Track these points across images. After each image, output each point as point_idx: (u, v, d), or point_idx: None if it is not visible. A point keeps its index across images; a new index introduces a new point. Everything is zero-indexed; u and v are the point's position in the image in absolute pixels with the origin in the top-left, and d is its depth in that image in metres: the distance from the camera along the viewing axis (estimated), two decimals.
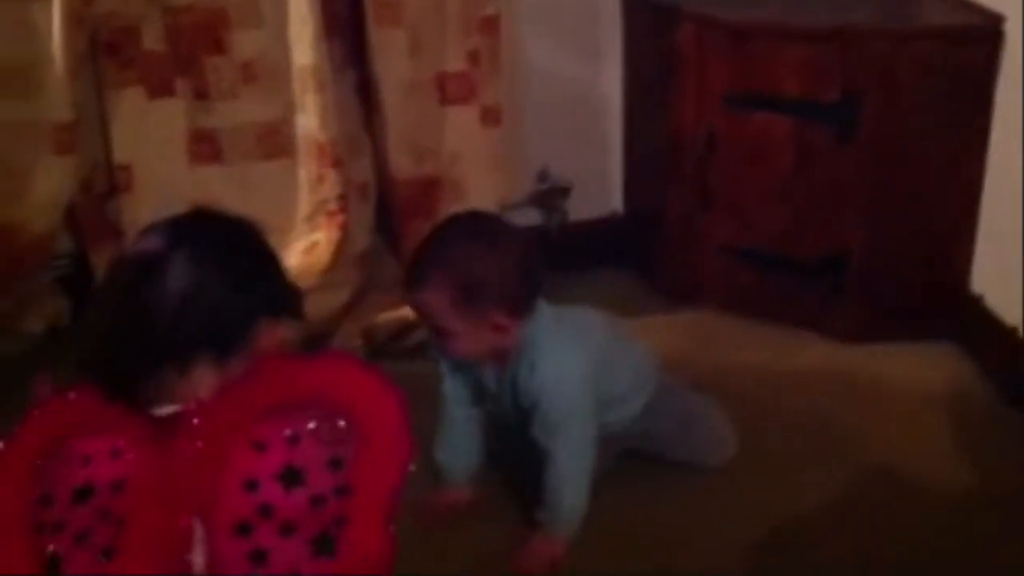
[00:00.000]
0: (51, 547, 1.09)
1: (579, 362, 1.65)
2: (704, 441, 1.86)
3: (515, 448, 1.74)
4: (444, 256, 1.55)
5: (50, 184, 2.10)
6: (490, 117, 2.25)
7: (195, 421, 1.11)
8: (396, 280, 2.26)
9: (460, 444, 1.76)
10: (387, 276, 2.27)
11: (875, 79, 2.07)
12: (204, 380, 1.12)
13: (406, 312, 2.08)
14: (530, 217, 2.47)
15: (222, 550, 1.07)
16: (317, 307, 2.07)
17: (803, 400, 2.05)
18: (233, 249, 1.16)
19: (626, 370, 1.78)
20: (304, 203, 2.17)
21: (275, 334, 1.16)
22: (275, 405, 1.12)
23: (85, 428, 1.14)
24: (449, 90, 2.21)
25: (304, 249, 2.17)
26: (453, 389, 1.74)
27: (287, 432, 1.11)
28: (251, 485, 1.09)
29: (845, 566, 1.65)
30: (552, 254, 2.48)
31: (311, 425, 1.11)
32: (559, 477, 1.64)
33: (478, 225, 1.63)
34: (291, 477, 1.09)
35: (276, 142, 2.16)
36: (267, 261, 1.20)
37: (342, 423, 1.12)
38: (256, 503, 1.08)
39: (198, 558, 1.08)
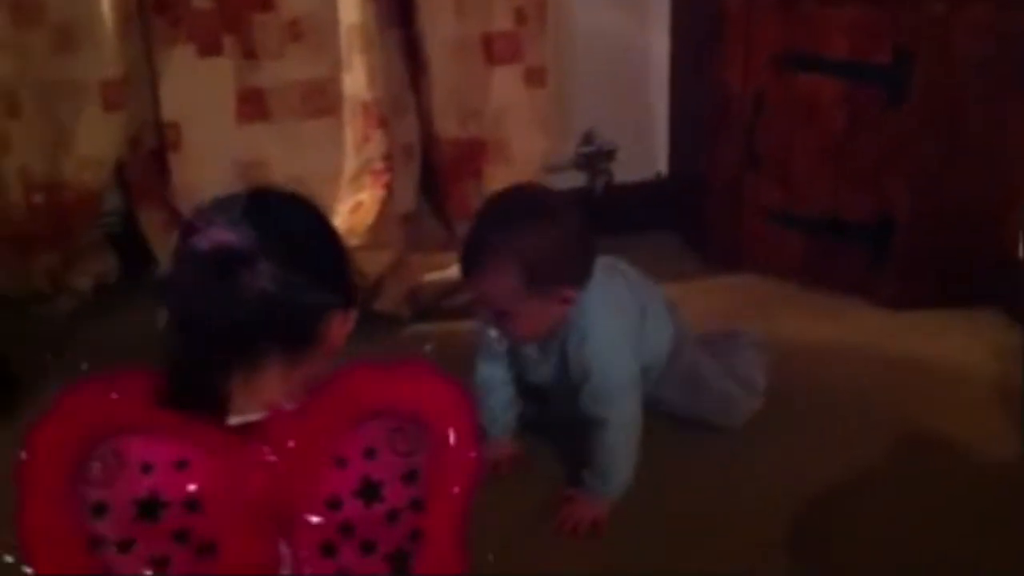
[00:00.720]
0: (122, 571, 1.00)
1: (627, 332, 1.66)
2: (711, 403, 1.83)
3: (550, 412, 1.76)
4: (505, 239, 1.51)
5: (99, 141, 2.13)
6: (535, 78, 2.23)
7: (273, 435, 1.03)
8: (441, 241, 2.28)
9: (499, 403, 1.76)
10: (432, 237, 2.28)
11: (928, 41, 2.03)
12: (274, 381, 1.04)
13: (451, 273, 2.09)
14: (574, 180, 2.46)
15: (310, 571, 1.02)
16: (362, 267, 2.09)
17: (844, 367, 2.04)
18: (307, 241, 1.07)
19: (653, 338, 1.77)
20: (350, 162, 2.18)
21: (345, 327, 1.09)
22: (352, 417, 1.07)
23: (137, 428, 1.02)
24: (495, 50, 2.20)
25: (349, 208, 2.18)
26: (492, 354, 1.74)
27: (365, 445, 1.05)
28: (334, 503, 1.03)
29: (872, 537, 1.64)
30: (595, 217, 2.50)
31: (387, 436, 1.06)
32: (611, 445, 1.65)
33: (531, 201, 1.61)
34: (370, 492, 1.04)
35: (322, 101, 2.16)
36: (338, 251, 1.12)
37: (415, 433, 1.07)
38: (338, 521, 1.03)
39: None
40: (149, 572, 1.00)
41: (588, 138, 2.46)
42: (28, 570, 1.00)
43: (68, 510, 1.00)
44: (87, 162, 2.13)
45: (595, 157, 2.47)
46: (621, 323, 1.66)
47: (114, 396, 1.04)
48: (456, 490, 1.07)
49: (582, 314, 1.61)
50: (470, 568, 1.06)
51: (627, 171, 2.51)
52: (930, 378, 2.01)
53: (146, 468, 1.00)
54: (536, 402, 1.80)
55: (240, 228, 1.00)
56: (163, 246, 2.21)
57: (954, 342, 2.10)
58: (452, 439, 1.07)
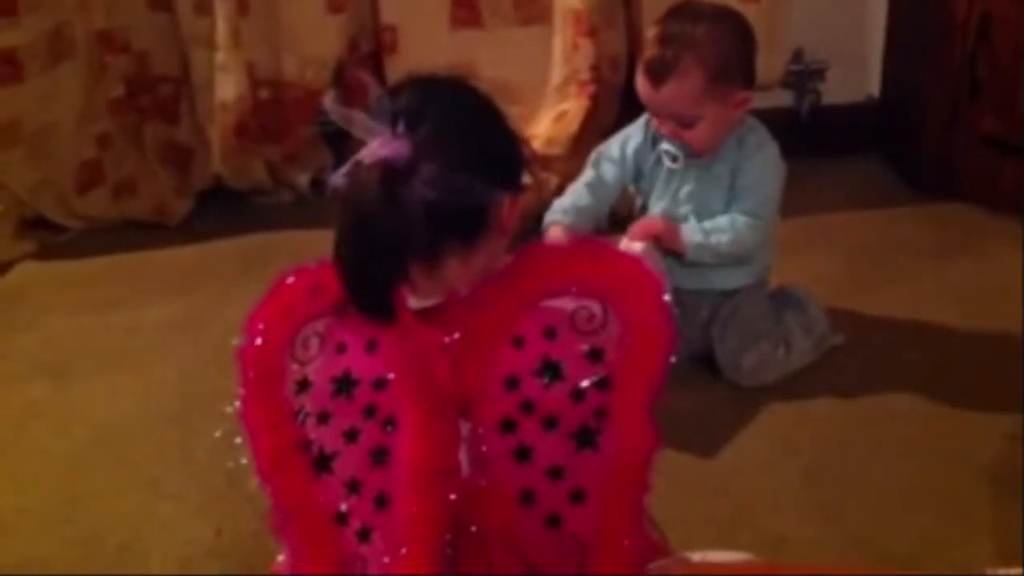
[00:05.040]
0: (319, 441, 1.06)
1: (780, 167, 1.71)
2: (752, 359, 1.74)
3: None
4: (685, 46, 1.59)
5: (321, 41, 2.23)
6: None
7: (452, 318, 1.05)
8: None
9: (591, 208, 1.76)
10: None
11: None
12: (453, 269, 1.04)
13: None
14: (780, 99, 2.42)
15: (488, 448, 1.04)
16: (564, 175, 2.12)
17: None
18: (470, 134, 1.05)
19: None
20: (557, 71, 2.21)
21: (516, 208, 1.08)
22: (532, 297, 1.07)
23: (336, 312, 1.07)
24: None
25: (554, 117, 2.22)
26: (613, 172, 1.77)
27: (545, 325, 1.05)
28: (512, 382, 1.04)
29: None
30: (801, 138, 2.45)
31: (568, 316, 1.06)
32: (730, 220, 1.67)
33: (703, 8, 1.66)
34: (550, 371, 1.04)
35: (534, 8, 2.19)
36: (503, 136, 1.09)
37: (599, 312, 1.06)
38: (518, 400, 1.04)
39: (463, 457, 1.05)
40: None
41: (798, 56, 2.40)
42: (237, 440, 1.09)
43: (278, 385, 1.07)
44: (309, 61, 2.23)
45: (804, 76, 2.41)
46: (779, 160, 1.71)
47: (318, 284, 1.08)
48: (646, 368, 1.05)
49: (751, 130, 1.70)
50: (662, 444, 1.04)
51: (836, 92, 2.44)
52: None
53: (341, 348, 1.07)
54: None
55: (400, 136, 0.99)
56: None
57: None
58: (639, 316, 1.06)
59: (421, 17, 2.19)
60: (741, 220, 1.68)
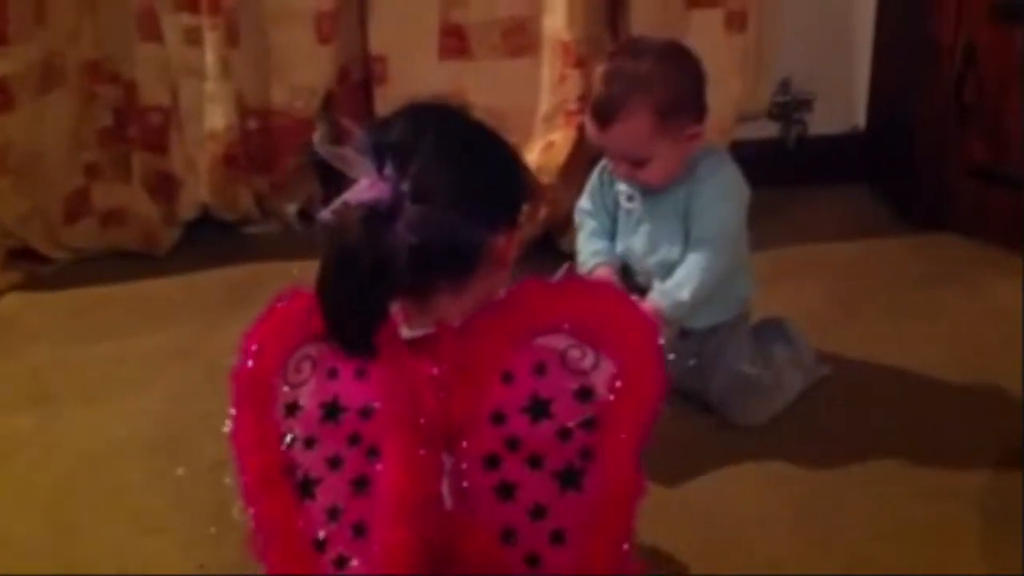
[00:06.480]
0: (304, 466, 1.06)
1: (740, 192, 1.68)
2: (738, 404, 1.73)
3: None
4: (634, 81, 1.57)
5: (310, 71, 2.23)
6: (736, 22, 2.21)
7: (442, 349, 1.04)
8: None
9: (603, 246, 1.77)
10: None
11: None
12: (444, 303, 1.05)
13: None
14: (767, 130, 2.43)
15: (470, 483, 1.03)
16: (551, 206, 2.13)
17: None
18: (464, 169, 1.03)
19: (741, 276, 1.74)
20: (545, 102, 2.21)
21: (514, 241, 1.08)
22: (525, 333, 1.06)
23: (328, 337, 1.07)
24: None
25: (541, 147, 2.22)
26: (597, 221, 1.77)
27: (535, 362, 1.04)
28: (499, 417, 1.03)
29: None
30: (788, 168, 2.47)
31: (559, 354, 1.04)
32: (686, 270, 1.64)
33: (649, 44, 1.65)
34: (537, 409, 1.03)
35: (522, 39, 2.20)
36: (500, 169, 1.08)
37: (591, 352, 1.04)
38: (503, 435, 1.03)
39: (444, 490, 1.03)
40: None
41: (784, 87, 2.41)
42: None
43: (269, 406, 1.08)
44: (298, 91, 2.23)
45: (790, 106, 2.42)
46: (737, 182, 1.68)
47: (313, 307, 1.06)
48: (637, 412, 1.03)
49: (705, 156, 1.67)
50: (647, 492, 1.03)
51: (823, 123, 2.45)
52: None
53: (332, 374, 1.07)
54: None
55: (386, 177, 0.99)
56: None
57: None
58: (633, 360, 1.04)
59: (410, 47, 2.20)
60: (694, 262, 1.64)
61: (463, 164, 1.04)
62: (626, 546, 1.04)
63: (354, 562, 1.03)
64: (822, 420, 1.71)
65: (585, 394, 1.03)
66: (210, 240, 2.36)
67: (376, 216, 0.98)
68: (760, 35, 2.26)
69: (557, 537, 1.03)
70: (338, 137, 1.02)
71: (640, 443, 1.03)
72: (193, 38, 2.19)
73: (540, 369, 1.04)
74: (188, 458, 1.63)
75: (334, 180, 1.02)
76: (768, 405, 1.73)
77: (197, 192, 2.32)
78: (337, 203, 0.99)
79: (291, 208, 2.36)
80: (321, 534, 1.04)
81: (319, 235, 1.01)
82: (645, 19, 2.17)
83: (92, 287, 2.20)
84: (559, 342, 1.05)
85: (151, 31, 2.21)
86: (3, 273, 2.24)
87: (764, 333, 1.81)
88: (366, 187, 0.99)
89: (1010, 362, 1.81)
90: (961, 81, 2.17)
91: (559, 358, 1.04)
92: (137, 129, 2.28)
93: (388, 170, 0.99)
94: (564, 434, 1.03)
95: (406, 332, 1.06)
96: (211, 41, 2.17)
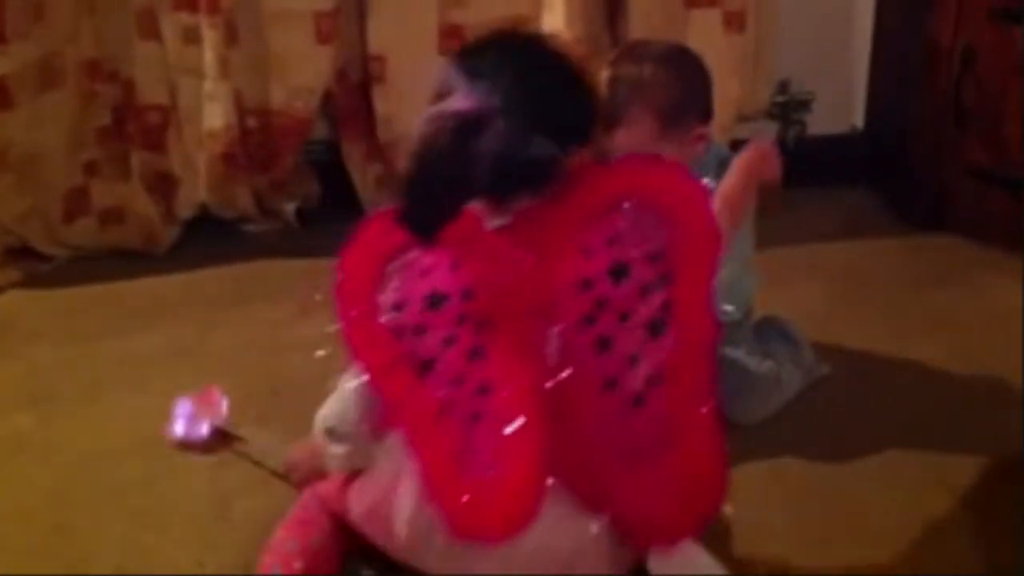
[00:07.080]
0: (419, 351, 1.19)
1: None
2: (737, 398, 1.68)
3: None
4: (636, 86, 1.58)
5: (309, 71, 2.23)
6: (735, 22, 2.22)
7: (525, 234, 1.19)
8: None
9: None
10: None
11: None
12: (525, 206, 1.20)
13: None
14: (765, 130, 2.43)
15: (571, 342, 1.17)
16: None
17: None
18: (546, 91, 1.18)
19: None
20: None
21: (584, 158, 1.21)
22: (594, 211, 1.20)
23: (416, 244, 1.21)
24: None
25: None
26: None
27: (608, 235, 1.19)
28: (586, 284, 1.17)
29: None
30: (787, 169, 2.46)
31: (627, 225, 1.19)
32: None
33: (650, 49, 1.65)
34: (618, 272, 1.17)
35: None
36: (578, 93, 1.21)
37: (653, 218, 1.19)
38: (593, 298, 1.17)
39: (551, 352, 1.17)
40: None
41: (783, 87, 2.42)
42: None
43: (372, 313, 1.21)
44: (298, 90, 2.24)
45: (789, 107, 2.43)
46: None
47: (394, 224, 1.18)
48: (700, 262, 1.19)
49: (709, 160, 1.65)
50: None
51: (821, 123, 2.45)
52: None
53: (425, 272, 1.21)
54: None
55: (479, 90, 1.13)
56: (363, 177, 2.32)
57: None
58: (689, 216, 1.19)
59: (409, 47, 2.20)
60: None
61: (544, 87, 1.18)
62: (711, 377, 1.20)
63: (483, 417, 1.18)
64: (822, 419, 1.71)
65: (655, 256, 1.19)
66: (209, 239, 2.36)
67: (466, 125, 1.11)
68: (759, 36, 2.27)
69: (653, 379, 1.18)
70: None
71: (708, 292, 1.19)
72: (192, 37, 2.20)
73: (613, 240, 1.19)
74: (188, 459, 1.63)
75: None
76: (767, 404, 1.73)
77: (196, 191, 2.32)
78: (432, 110, 1.12)
79: (290, 207, 2.37)
80: (448, 398, 1.18)
81: (412, 140, 1.14)
82: (644, 19, 2.18)
83: (91, 285, 2.20)
84: (625, 214, 1.19)
85: (150, 30, 2.22)
86: (2, 271, 2.25)
87: (764, 332, 1.81)
88: (460, 99, 1.12)
89: (1009, 362, 1.81)
90: (960, 82, 2.17)
91: (628, 229, 1.19)
92: (136, 128, 2.28)
93: (480, 86, 1.13)
94: (644, 291, 1.18)
95: (491, 223, 1.20)
96: (210, 40, 2.17)
